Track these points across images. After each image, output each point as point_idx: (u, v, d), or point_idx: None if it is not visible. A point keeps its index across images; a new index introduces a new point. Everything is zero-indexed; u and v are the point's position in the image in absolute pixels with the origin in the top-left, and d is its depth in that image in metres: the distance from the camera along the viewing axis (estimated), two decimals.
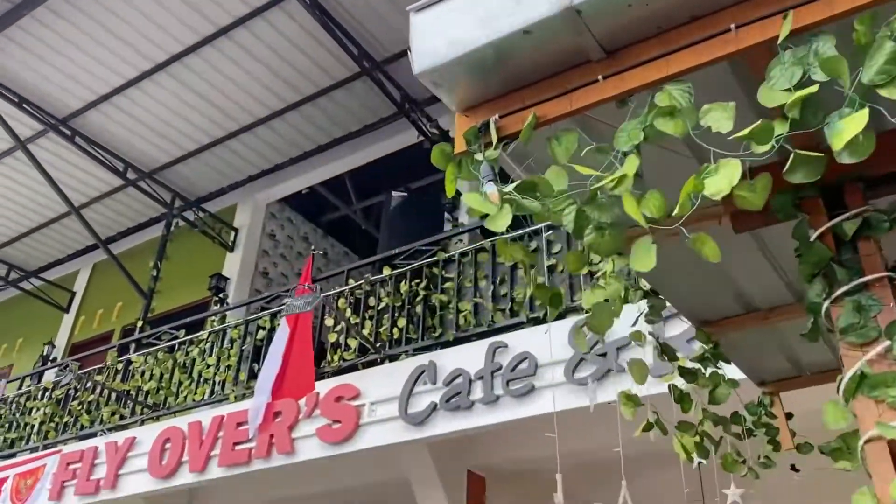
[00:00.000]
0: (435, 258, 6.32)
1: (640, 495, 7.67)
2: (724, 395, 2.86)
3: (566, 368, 4.88)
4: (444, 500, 6.05)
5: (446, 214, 8.14)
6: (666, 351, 2.81)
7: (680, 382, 2.86)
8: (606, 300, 2.26)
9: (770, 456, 3.40)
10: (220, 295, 9.57)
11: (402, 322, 6.20)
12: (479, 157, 1.75)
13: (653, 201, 1.52)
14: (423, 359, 5.64)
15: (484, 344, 5.37)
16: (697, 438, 2.60)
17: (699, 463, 2.73)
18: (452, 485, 6.15)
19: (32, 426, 8.65)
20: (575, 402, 4.81)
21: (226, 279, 9.72)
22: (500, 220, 1.65)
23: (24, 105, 8.72)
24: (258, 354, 7.10)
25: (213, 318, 8.59)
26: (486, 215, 1.65)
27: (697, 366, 2.91)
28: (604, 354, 4.77)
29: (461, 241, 6.76)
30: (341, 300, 6.67)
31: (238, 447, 6.23)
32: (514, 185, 1.62)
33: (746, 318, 2.99)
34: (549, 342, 5.04)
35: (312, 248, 6.53)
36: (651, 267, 1.51)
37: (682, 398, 2.83)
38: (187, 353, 7.63)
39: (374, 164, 10.04)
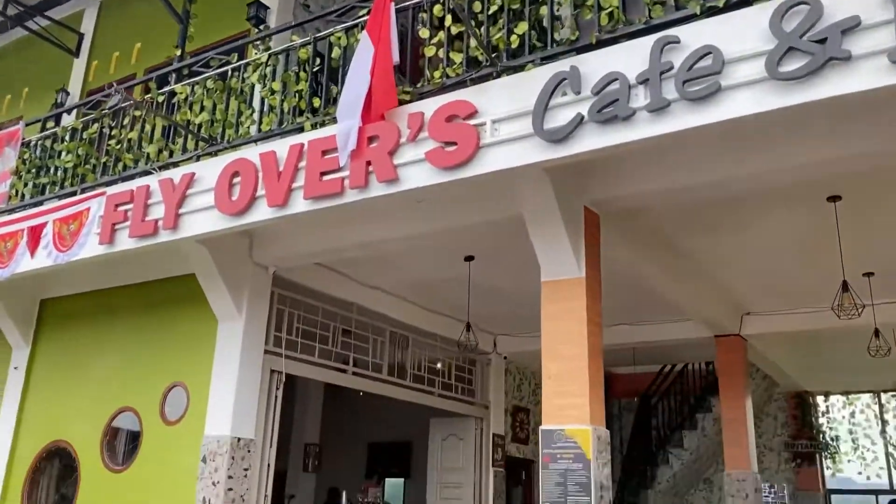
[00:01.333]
0: None
1: (770, 232, 6.75)
2: None
3: (767, 62, 3.90)
4: (564, 235, 5.37)
5: None
6: None
7: None
8: None
9: None
10: (261, 27, 8.30)
11: (521, 27, 5.11)
12: None
13: None
14: (559, 66, 4.64)
15: (645, 42, 4.34)
16: None
17: None
18: (570, 221, 5.45)
19: (66, 170, 7.75)
20: (777, 102, 3.90)
21: (266, 8, 8.39)
22: None
23: None
24: (332, 76, 6.07)
25: (256, 48, 7.39)
26: None
27: None
28: (822, 41, 3.78)
29: None
30: (437, 7, 5.53)
31: (327, 177, 5.39)
32: None
33: None
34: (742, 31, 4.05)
35: None
36: None
37: None
38: (244, 80, 6.57)
39: None
